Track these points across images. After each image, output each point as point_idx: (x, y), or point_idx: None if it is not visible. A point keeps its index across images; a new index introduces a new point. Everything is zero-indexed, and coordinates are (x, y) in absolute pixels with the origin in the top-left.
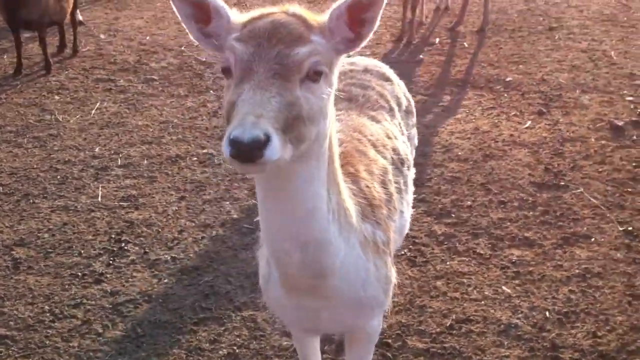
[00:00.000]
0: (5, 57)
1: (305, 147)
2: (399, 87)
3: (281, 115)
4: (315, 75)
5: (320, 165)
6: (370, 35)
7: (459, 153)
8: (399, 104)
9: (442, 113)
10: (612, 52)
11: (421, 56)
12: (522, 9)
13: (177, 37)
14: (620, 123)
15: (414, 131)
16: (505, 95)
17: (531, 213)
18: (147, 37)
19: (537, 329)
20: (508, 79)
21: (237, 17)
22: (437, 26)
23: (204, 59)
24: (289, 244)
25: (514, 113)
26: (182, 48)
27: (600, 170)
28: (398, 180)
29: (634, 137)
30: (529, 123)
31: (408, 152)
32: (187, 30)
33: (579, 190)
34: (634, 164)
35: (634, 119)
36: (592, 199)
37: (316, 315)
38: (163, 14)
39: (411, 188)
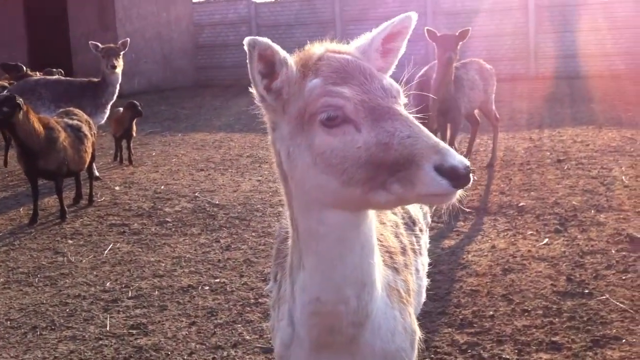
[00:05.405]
0: (21, 209)
1: None
2: None
3: None
4: None
5: None
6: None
7: (477, 269)
8: None
9: (457, 237)
10: (623, 177)
11: None
12: (529, 146)
13: (191, 185)
14: None
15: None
16: (520, 218)
17: (557, 319)
18: (162, 187)
19: None
20: (521, 204)
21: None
22: None
23: (217, 202)
24: (350, 289)
25: (530, 232)
26: (196, 194)
27: (624, 278)
28: (410, 239)
29: None
30: (546, 240)
31: (420, 216)
32: (254, 85)
33: (604, 297)
34: None
35: None
36: (618, 304)
37: None
38: (178, 168)
39: (425, 253)
